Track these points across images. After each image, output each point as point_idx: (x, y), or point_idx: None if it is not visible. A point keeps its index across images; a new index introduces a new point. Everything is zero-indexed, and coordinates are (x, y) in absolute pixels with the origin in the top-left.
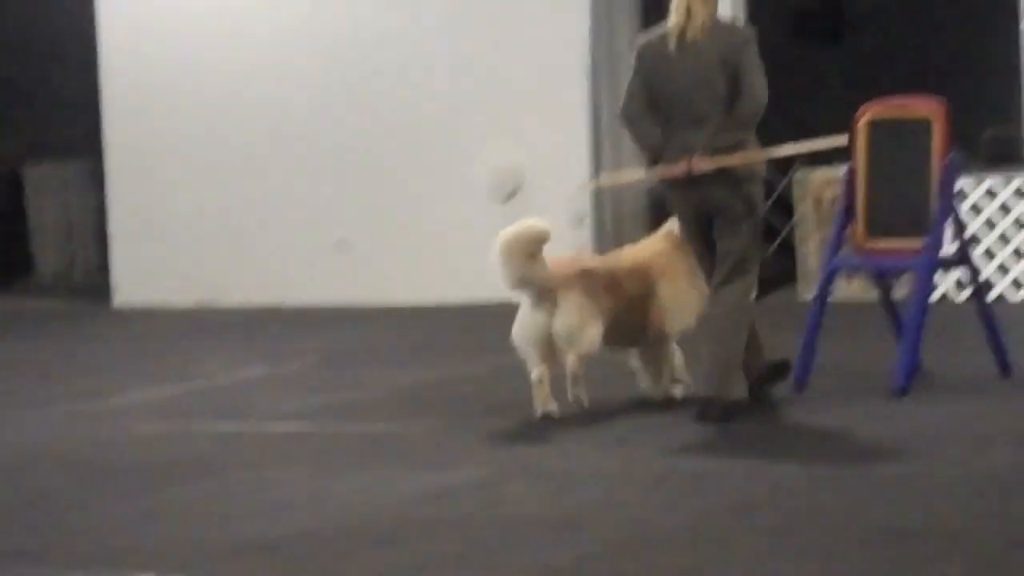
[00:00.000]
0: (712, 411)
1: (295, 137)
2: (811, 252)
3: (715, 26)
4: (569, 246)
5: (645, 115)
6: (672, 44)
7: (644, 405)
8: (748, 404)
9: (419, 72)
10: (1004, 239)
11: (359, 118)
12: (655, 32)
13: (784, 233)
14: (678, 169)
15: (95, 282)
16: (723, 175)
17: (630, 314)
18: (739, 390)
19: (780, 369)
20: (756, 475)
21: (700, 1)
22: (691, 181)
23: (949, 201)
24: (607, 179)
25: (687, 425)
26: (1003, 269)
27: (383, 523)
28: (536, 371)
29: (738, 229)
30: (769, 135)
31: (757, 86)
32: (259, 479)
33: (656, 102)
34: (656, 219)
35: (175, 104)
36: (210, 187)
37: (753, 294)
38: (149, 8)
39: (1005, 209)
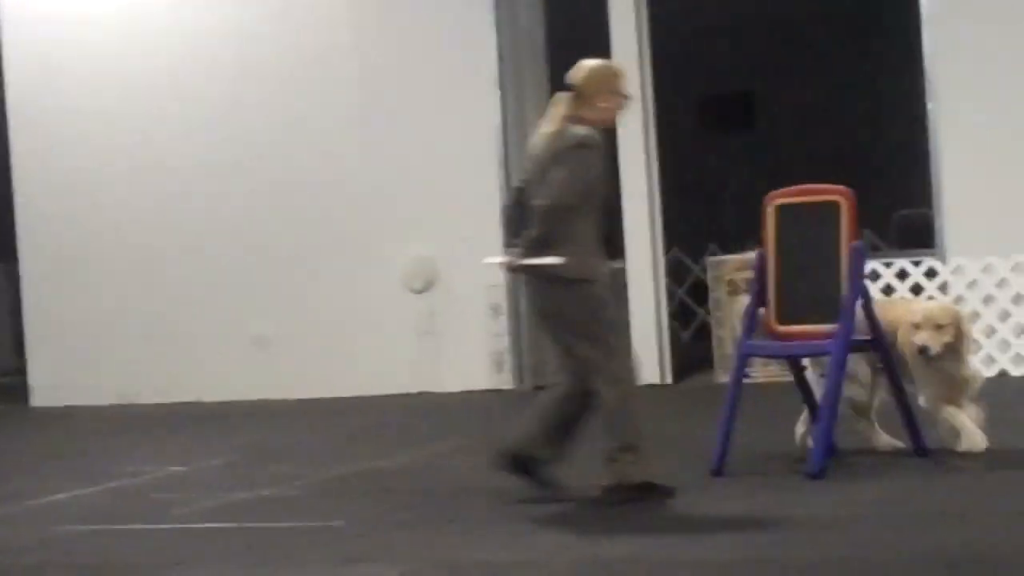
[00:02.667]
0: (606, 496)
1: (210, 235)
2: (726, 336)
3: (560, 131)
4: (486, 335)
5: (513, 205)
6: (539, 142)
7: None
8: (638, 489)
9: (332, 166)
10: None
11: (273, 214)
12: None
13: (700, 317)
14: (503, 263)
15: (12, 383)
16: (532, 276)
17: None
18: (635, 474)
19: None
20: (674, 563)
21: (556, 105)
22: (525, 280)
23: (858, 284)
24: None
25: (603, 513)
26: None
27: None
28: None
29: (560, 329)
30: (681, 221)
31: (555, 184)
32: None
33: None
34: None
35: (88, 205)
36: (125, 286)
37: (616, 389)
38: (60, 112)
39: (917, 289)
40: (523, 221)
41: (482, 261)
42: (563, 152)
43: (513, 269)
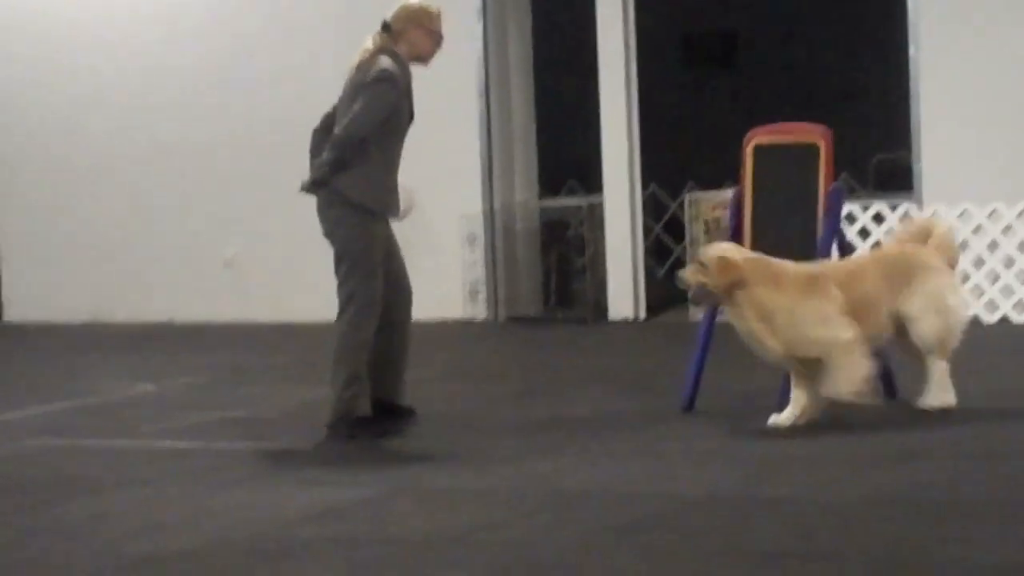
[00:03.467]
0: (328, 430)
1: (186, 156)
2: None
3: (365, 63)
4: (462, 265)
5: (320, 132)
6: (350, 74)
7: (535, 421)
8: (357, 422)
9: (309, 87)
10: None
11: (250, 135)
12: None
13: (676, 254)
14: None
15: None
16: (321, 197)
17: None
18: (348, 407)
19: (401, 413)
20: (639, 496)
21: (371, 38)
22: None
23: (835, 225)
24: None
25: (573, 444)
26: None
27: (269, 541)
28: None
29: (334, 255)
30: (660, 157)
31: (354, 115)
32: (146, 496)
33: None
34: (544, 240)
35: (66, 124)
36: (100, 204)
37: (355, 330)
38: (34, 24)
39: (892, 233)
40: (323, 147)
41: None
42: (364, 85)
43: (303, 187)
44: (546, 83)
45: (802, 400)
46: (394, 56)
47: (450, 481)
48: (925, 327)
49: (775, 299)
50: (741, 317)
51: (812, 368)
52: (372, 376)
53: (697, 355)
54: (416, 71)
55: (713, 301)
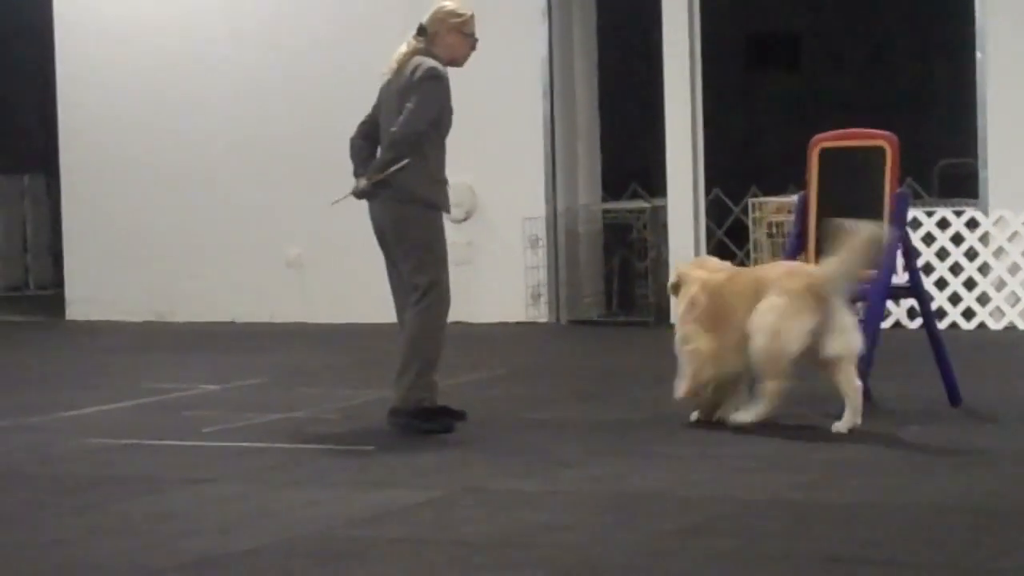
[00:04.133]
0: (392, 417)
1: (251, 154)
2: None
3: (410, 64)
4: (524, 267)
5: (359, 139)
6: (387, 78)
7: (598, 423)
8: (424, 414)
9: (373, 89)
10: (956, 269)
11: (316, 136)
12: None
13: (738, 258)
14: (351, 190)
15: (49, 295)
16: (383, 197)
17: None
18: (418, 399)
19: (452, 415)
20: (704, 499)
21: (406, 44)
22: (371, 203)
23: (900, 231)
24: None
25: (636, 447)
26: (955, 298)
27: (331, 542)
28: None
29: (403, 250)
30: (723, 161)
31: (408, 114)
32: (208, 495)
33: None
34: (607, 243)
35: (131, 120)
36: (164, 203)
37: (435, 318)
38: (107, 24)
39: (958, 239)
40: (367, 154)
41: (330, 204)
42: (414, 83)
43: (361, 191)
44: (610, 85)
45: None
46: (434, 58)
47: (513, 483)
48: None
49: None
50: None
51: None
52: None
53: None
54: (482, 72)
55: None
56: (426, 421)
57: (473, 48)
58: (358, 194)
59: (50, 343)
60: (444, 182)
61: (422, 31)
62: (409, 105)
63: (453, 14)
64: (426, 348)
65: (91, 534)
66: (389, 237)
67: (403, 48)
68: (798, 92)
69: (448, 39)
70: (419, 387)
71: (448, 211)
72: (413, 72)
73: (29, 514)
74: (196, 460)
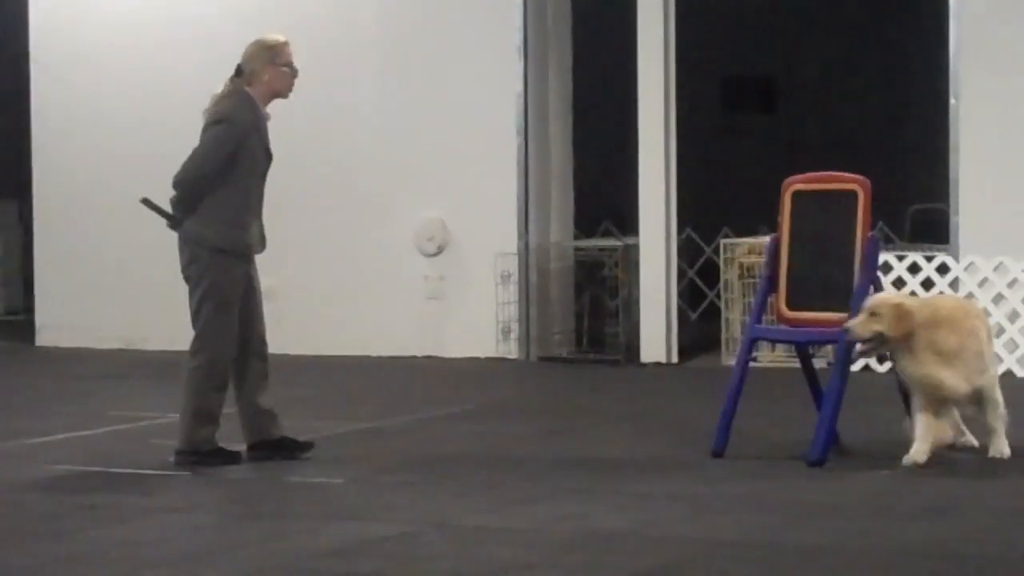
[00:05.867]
0: (176, 459)
1: None
2: (735, 318)
3: (210, 108)
4: (495, 303)
5: None
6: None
7: (566, 461)
8: (208, 454)
9: (350, 125)
10: None
11: (287, 169)
12: None
13: (709, 298)
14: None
15: (19, 322)
16: (178, 237)
17: None
18: (197, 440)
19: (299, 447)
20: (669, 540)
21: (223, 83)
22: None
23: (871, 275)
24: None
25: (604, 486)
26: None
27: (299, 574)
28: None
29: (189, 292)
30: (696, 201)
31: (188, 158)
32: (176, 525)
33: None
34: (578, 280)
35: (104, 147)
36: (136, 231)
37: (208, 366)
38: (82, 52)
39: (928, 284)
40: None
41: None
42: (203, 128)
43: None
44: (584, 124)
45: (931, 435)
46: (245, 98)
47: (480, 519)
48: None
49: (952, 340)
50: (919, 362)
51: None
52: (247, 421)
53: (729, 400)
54: (457, 107)
55: (886, 349)
56: (202, 461)
57: (294, 77)
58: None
59: (19, 369)
60: (243, 226)
61: (239, 71)
62: (195, 148)
63: (265, 47)
64: (198, 393)
65: (58, 562)
66: (183, 274)
67: (218, 90)
68: (772, 134)
69: (264, 74)
70: (191, 432)
71: (246, 255)
72: (208, 115)
73: None
74: (164, 489)
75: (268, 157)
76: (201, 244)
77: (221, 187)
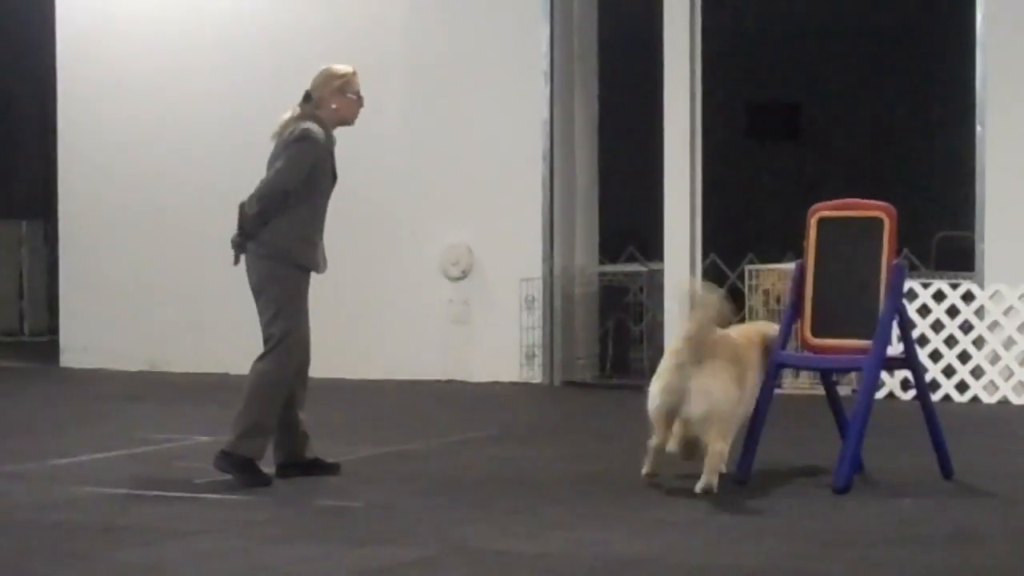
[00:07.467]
0: (219, 459)
1: None
2: None
3: (287, 127)
4: (519, 327)
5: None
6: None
7: (590, 487)
8: (249, 467)
9: (377, 150)
10: (950, 342)
11: None
12: None
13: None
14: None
15: (44, 342)
16: (249, 250)
17: None
18: (249, 450)
19: (327, 468)
20: (690, 567)
21: (291, 108)
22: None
23: (896, 302)
24: None
25: (627, 511)
26: (949, 371)
27: None
28: None
29: (261, 303)
30: (721, 227)
31: (274, 172)
32: (200, 549)
33: None
34: (602, 306)
35: (130, 169)
36: (161, 253)
37: (280, 371)
38: (108, 73)
39: (953, 312)
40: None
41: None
42: (286, 145)
43: (233, 243)
44: (610, 149)
45: None
46: (317, 121)
47: (502, 544)
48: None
49: None
50: None
51: None
52: (283, 438)
53: (753, 427)
54: (483, 132)
55: None
56: (242, 472)
57: (360, 106)
58: (233, 247)
59: (44, 390)
60: (313, 243)
61: (307, 97)
62: (278, 163)
63: (334, 76)
64: (260, 407)
65: None
66: (252, 289)
67: (286, 115)
68: (798, 161)
69: (333, 101)
70: (247, 441)
71: (317, 271)
72: (287, 134)
73: (20, 562)
74: (188, 512)
75: (334, 179)
76: (275, 257)
77: (295, 204)
